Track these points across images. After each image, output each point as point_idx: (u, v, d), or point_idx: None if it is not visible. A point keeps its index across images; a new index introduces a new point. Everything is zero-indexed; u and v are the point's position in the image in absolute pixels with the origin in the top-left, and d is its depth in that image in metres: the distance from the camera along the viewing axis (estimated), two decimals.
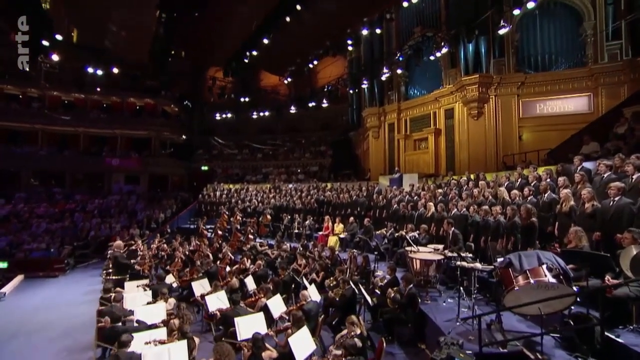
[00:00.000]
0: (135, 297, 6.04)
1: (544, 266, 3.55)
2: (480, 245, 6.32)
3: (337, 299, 5.70)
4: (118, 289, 6.38)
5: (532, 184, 6.87)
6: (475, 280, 4.96)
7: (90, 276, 10.69)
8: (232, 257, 9.68)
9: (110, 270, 8.53)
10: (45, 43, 12.54)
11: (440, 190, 9.21)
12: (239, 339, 4.53)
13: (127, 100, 23.50)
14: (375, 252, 7.60)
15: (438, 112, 14.16)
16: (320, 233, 11.98)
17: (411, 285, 5.22)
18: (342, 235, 11.00)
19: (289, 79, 19.44)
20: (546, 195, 5.88)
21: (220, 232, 13.32)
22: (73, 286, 9.82)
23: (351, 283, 5.82)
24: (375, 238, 9.53)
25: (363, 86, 16.86)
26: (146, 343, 3.96)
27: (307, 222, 12.80)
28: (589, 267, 3.63)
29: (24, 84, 21.24)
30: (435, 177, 12.24)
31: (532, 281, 3.51)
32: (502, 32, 10.94)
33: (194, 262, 9.09)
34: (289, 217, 13.35)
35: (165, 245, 11.45)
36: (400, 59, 14.75)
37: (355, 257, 7.78)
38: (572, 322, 3.49)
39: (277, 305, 5.47)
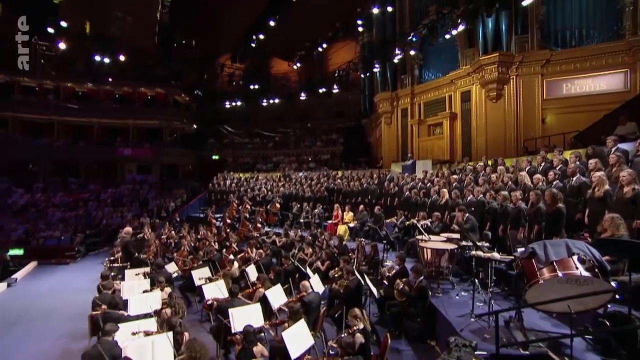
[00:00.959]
0: (133, 285, 5.88)
1: (575, 257, 3.05)
2: (498, 234, 5.79)
3: (341, 290, 5.34)
4: (107, 279, 6.22)
5: (557, 168, 6.23)
6: (492, 271, 4.48)
7: (99, 263, 10.70)
8: (236, 247, 9.45)
9: (119, 257, 8.48)
10: (50, 30, 12.43)
11: (455, 177, 8.62)
12: (232, 331, 4.26)
13: (138, 90, 23.58)
14: (384, 242, 7.16)
15: (454, 95, 13.35)
16: (330, 222, 11.71)
17: (422, 277, 4.79)
18: (351, 224, 10.66)
19: (298, 64, 18.80)
20: (575, 179, 5.27)
21: (228, 221, 13.19)
22: (82, 273, 9.89)
23: (356, 273, 5.44)
24: (385, 227, 9.14)
25: (375, 70, 16.13)
26: (133, 334, 3.73)
27: (316, 210, 12.54)
28: (629, 259, 3.10)
29: (39, 76, 21.59)
30: (450, 163, 11.58)
31: (560, 274, 3.02)
32: (525, 3, 10.02)
33: (198, 250, 8.93)
34: (298, 205, 13.08)
35: (173, 233, 11.39)
36: (414, 39, 13.93)
37: (363, 246, 7.39)
38: (608, 323, 3.00)
39: (276, 296, 5.16)
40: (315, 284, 5.51)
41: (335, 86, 18.33)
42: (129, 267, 7.30)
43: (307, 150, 23.98)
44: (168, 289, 5.62)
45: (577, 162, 5.66)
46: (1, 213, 16.05)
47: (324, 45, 16.92)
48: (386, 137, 16.74)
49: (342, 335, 3.75)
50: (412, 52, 14.08)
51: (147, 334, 3.70)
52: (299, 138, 25.03)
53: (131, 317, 4.56)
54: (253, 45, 17.30)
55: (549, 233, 4.70)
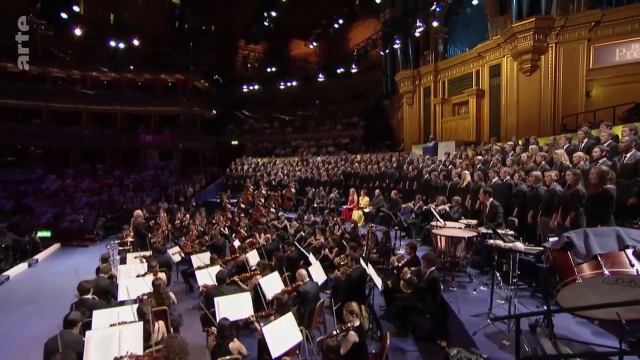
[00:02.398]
0: (130, 269, 5.73)
1: (630, 250, 2.33)
2: (527, 221, 4.99)
3: (343, 279, 4.84)
4: (106, 261, 6.14)
5: (606, 144, 5.23)
6: (515, 264, 3.77)
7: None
8: (245, 232, 9.20)
9: (128, 240, 8.50)
10: (63, 15, 12.48)
11: (479, 157, 7.71)
12: (217, 322, 3.92)
13: (159, 77, 23.82)
14: (396, 228, 6.55)
15: (481, 70, 12.07)
16: (345, 207, 11.27)
17: (433, 268, 4.17)
18: (366, 210, 10.11)
19: (315, 44, 17.87)
20: (629, 155, 4.33)
21: (242, 206, 13.07)
22: (98, 255, 10.10)
23: (361, 261, 4.91)
24: (402, 212, 8.52)
25: (395, 46, 14.97)
26: (112, 325, 3.46)
27: (331, 195, 12.11)
28: None
29: (69, 66, 22.30)
30: (476, 144, 10.54)
31: (606, 272, 2.32)
32: None
33: (204, 235, 8.77)
34: (314, 190, 12.70)
35: (186, 217, 11.39)
36: (438, 9, 12.68)
37: (374, 232, 6.82)
38: None
39: (272, 284, 4.74)
40: (316, 272, 5.04)
41: (353, 66, 17.21)
42: (131, 250, 7.24)
43: (327, 134, 23.43)
44: (162, 275, 5.39)
45: (633, 136, 4.67)
46: (35, 197, 16.96)
47: (340, 21, 15.83)
48: (408, 118, 15.74)
49: (335, 333, 3.27)
50: (435, 24, 12.81)
51: (119, 323, 3.41)
52: (318, 122, 24.45)
53: (114, 303, 4.34)
54: (266, 24, 16.55)
55: (593, 220, 3.87)
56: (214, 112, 25.78)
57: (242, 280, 5.07)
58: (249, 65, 21.78)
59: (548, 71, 10.27)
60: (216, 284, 4.59)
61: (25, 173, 19.77)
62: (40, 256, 9.99)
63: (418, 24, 12.69)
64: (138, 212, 8.18)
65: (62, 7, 12.42)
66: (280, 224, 10.15)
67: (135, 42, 15.83)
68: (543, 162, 5.98)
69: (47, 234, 12.89)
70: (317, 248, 7.35)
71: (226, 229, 9.87)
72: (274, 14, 15.71)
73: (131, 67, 22.72)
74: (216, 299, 4.06)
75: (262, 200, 12.58)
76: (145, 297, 4.47)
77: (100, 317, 3.72)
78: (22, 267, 8.87)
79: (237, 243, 7.64)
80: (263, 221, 10.21)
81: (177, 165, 22.32)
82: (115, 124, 23.20)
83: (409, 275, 4.17)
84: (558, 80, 10.17)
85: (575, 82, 9.98)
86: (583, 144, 6.02)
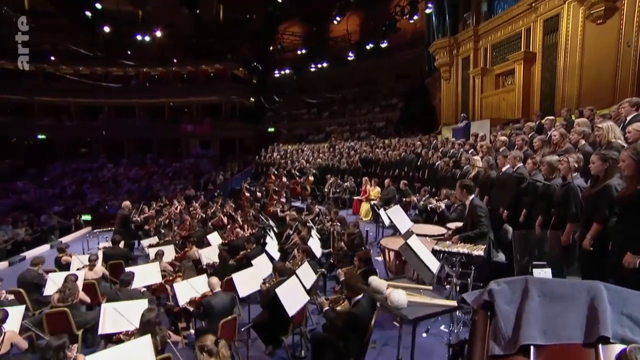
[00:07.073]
0: (85, 259, 5.55)
1: (615, 350, 0.96)
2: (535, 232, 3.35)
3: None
4: (62, 252, 6.04)
5: None
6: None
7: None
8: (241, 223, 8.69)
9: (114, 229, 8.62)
10: (88, 14, 13.12)
11: (502, 138, 5.81)
12: (99, 332, 3.35)
13: (200, 68, 24.67)
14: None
15: (533, 27, 9.41)
16: (356, 198, 10.16)
17: (359, 297, 2.91)
18: (374, 202, 8.85)
19: (338, 18, 16.28)
20: None
21: (258, 194, 12.78)
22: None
23: (298, 271, 3.86)
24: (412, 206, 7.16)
25: (427, 11, 12.69)
26: None
27: (347, 183, 11.02)
28: None
29: (124, 65, 24.32)
30: (516, 122, 8.24)
31: None
32: None
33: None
34: (333, 178, 11.79)
35: (196, 205, 11.35)
36: None
37: (341, 233, 5.62)
38: None
39: (188, 290, 4.00)
40: (245, 279, 4.12)
41: (383, 40, 15.20)
42: (106, 239, 7.21)
43: (362, 119, 21.92)
44: (100, 268, 5.06)
45: None
46: (91, 184, 19.01)
47: None
48: (445, 95, 13.49)
49: None
50: None
51: None
52: (356, 105, 23.01)
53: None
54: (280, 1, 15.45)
55: (624, 243, 2.24)
56: (252, 99, 25.89)
57: (169, 283, 4.45)
58: (279, 47, 21.11)
59: (632, 14, 7.39)
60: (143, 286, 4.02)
61: (90, 162, 22.40)
62: (66, 238, 10.86)
63: None
64: (126, 203, 8.22)
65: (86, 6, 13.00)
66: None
67: (158, 34, 16.19)
68: (582, 142, 4.09)
69: (88, 217, 14.22)
70: (293, 246, 6.48)
71: (225, 218, 9.55)
72: None
73: (175, 60, 23.89)
74: (103, 306, 3.48)
75: (277, 189, 12.07)
76: (56, 293, 4.12)
77: None
78: (44, 248, 9.64)
79: (212, 236, 7.11)
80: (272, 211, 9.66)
81: (215, 154, 23.08)
82: (163, 115, 24.82)
83: (326, 307, 3.00)
84: None
85: None
86: None
